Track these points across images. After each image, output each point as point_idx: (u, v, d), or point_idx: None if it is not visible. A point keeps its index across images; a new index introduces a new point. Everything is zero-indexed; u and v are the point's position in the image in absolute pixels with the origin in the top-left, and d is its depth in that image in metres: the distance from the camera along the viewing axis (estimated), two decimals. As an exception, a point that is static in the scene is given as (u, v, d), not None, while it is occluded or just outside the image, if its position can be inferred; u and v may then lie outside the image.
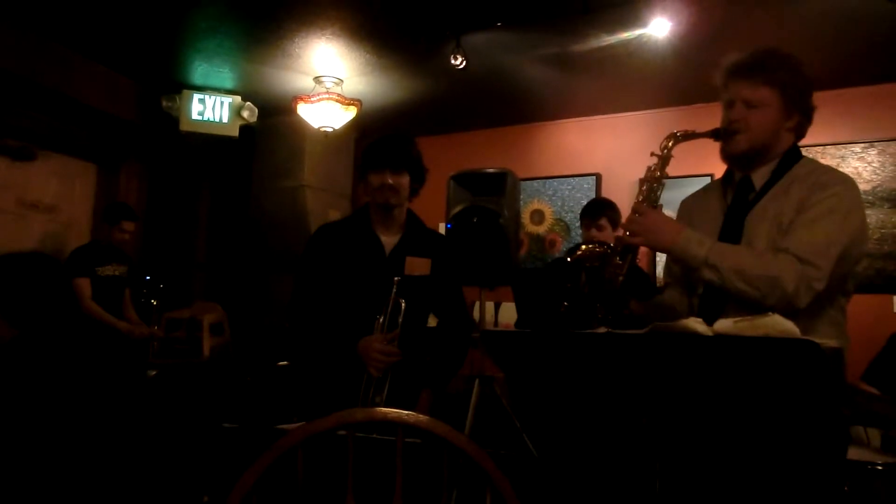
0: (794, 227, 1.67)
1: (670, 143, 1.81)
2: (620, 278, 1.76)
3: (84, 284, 4.19)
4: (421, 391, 2.38)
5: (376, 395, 2.22)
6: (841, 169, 4.31)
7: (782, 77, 1.75)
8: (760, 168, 1.82)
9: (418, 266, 2.40)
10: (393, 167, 2.37)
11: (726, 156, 1.85)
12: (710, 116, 1.90)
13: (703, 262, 1.66)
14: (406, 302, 2.28)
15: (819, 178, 1.73)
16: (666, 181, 1.83)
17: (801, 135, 1.85)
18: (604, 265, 1.78)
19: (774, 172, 1.80)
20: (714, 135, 1.80)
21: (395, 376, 2.25)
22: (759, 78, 1.75)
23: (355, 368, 2.24)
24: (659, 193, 1.82)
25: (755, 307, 1.63)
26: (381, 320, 2.27)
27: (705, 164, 3.59)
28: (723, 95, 1.85)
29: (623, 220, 1.86)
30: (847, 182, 1.72)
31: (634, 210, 1.78)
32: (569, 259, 1.85)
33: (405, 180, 2.41)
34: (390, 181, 2.35)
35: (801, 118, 1.81)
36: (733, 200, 1.86)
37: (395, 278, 2.27)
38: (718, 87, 1.87)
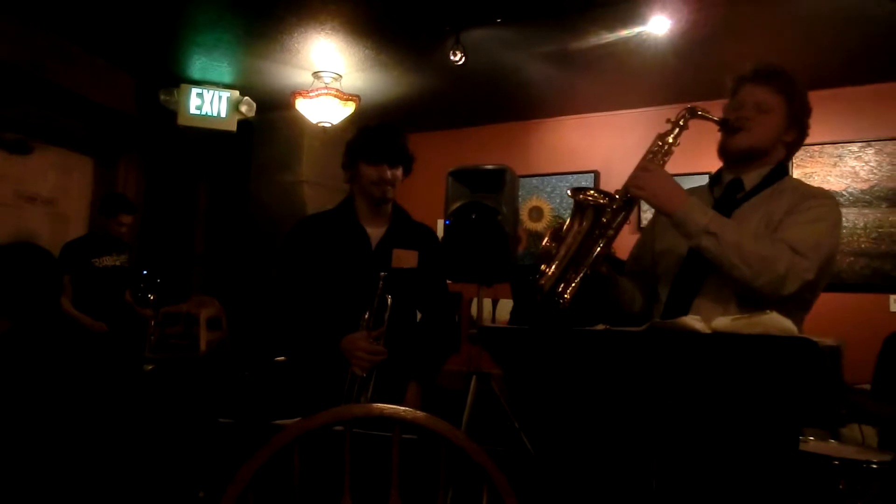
0: (785, 225, 1.71)
1: (686, 115, 1.81)
2: (611, 232, 1.72)
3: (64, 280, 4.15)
4: (407, 386, 2.32)
5: (361, 394, 2.16)
6: (838, 168, 4.42)
7: (792, 90, 1.83)
8: (752, 171, 1.86)
9: (406, 258, 2.36)
10: (391, 161, 2.33)
11: (725, 150, 1.88)
12: (710, 114, 1.90)
13: (703, 229, 1.65)
14: (393, 297, 2.22)
15: (808, 189, 1.81)
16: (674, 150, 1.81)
17: (791, 153, 1.91)
18: (600, 214, 1.74)
19: (766, 178, 1.84)
20: (723, 123, 1.84)
21: (381, 373, 2.20)
22: (773, 85, 1.82)
23: (340, 366, 2.19)
24: (666, 160, 1.80)
25: (724, 307, 1.68)
26: (366, 317, 2.20)
27: (701, 162, 3.58)
28: (732, 100, 1.89)
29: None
30: (833, 198, 1.80)
31: (643, 167, 1.75)
32: (569, 193, 1.81)
33: (400, 173, 2.37)
34: (389, 175, 2.32)
35: (797, 136, 1.88)
36: (721, 196, 1.88)
37: (382, 273, 2.20)
38: (729, 91, 1.92)
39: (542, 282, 1.69)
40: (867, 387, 2.91)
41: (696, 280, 1.78)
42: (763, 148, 1.83)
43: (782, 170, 1.87)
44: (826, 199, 1.76)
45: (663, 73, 4.34)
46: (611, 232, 1.72)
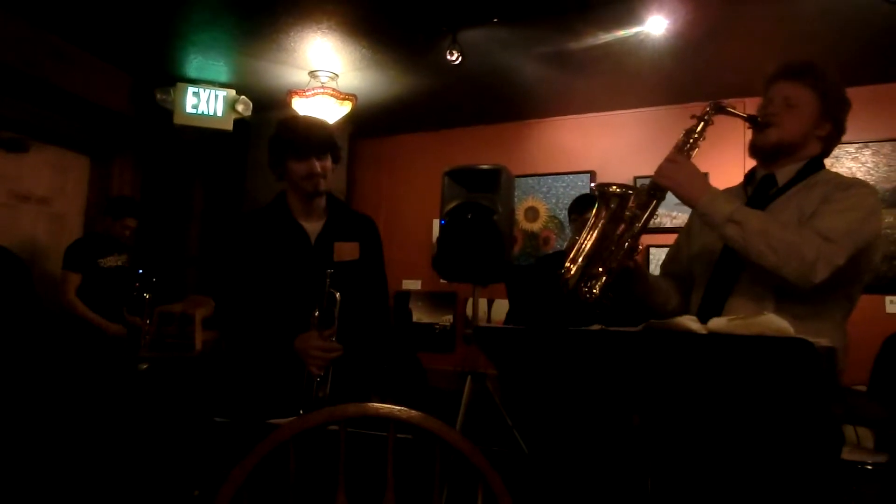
0: (817, 214, 1.68)
1: (711, 110, 1.82)
2: (638, 225, 1.73)
3: (72, 279, 4.16)
4: (364, 383, 2.33)
5: (319, 392, 2.16)
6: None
7: (825, 85, 1.82)
8: (785, 167, 1.84)
9: (347, 251, 2.35)
10: (318, 153, 2.31)
11: (754, 147, 1.87)
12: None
13: (728, 218, 1.64)
14: (340, 292, 2.21)
15: (843, 180, 1.77)
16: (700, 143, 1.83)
17: (828, 148, 1.87)
18: (623, 207, 1.73)
19: (800, 172, 1.82)
20: (751, 120, 1.84)
21: (337, 369, 2.20)
22: (804, 80, 1.81)
23: (294, 367, 2.18)
24: (692, 153, 1.81)
25: (760, 305, 1.64)
26: (316, 314, 2.19)
27: (704, 164, 3.60)
28: (764, 96, 1.88)
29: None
30: (870, 186, 1.75)
31: (670, 159, 1.77)
32: (592, 187, 1.82)
33: (329, 163, 2.35)
34: (319, 168, 2.30)
35: (833, 130, 1.85)
36: (754, 193, 1.87)
37: (328, 270, 2.20)
38: (763, 90, 1.91)
39: (567, 277, 1.70)
40: (863, 388, 2.92)
41: (730, 279, 1.77)
42: (793, 142, 1.81)
43: (817, 164, 1.84)
44: (861, 188, 1.72)
45: (660, 73, 4.34)
46: (637, 225, 1.73)
